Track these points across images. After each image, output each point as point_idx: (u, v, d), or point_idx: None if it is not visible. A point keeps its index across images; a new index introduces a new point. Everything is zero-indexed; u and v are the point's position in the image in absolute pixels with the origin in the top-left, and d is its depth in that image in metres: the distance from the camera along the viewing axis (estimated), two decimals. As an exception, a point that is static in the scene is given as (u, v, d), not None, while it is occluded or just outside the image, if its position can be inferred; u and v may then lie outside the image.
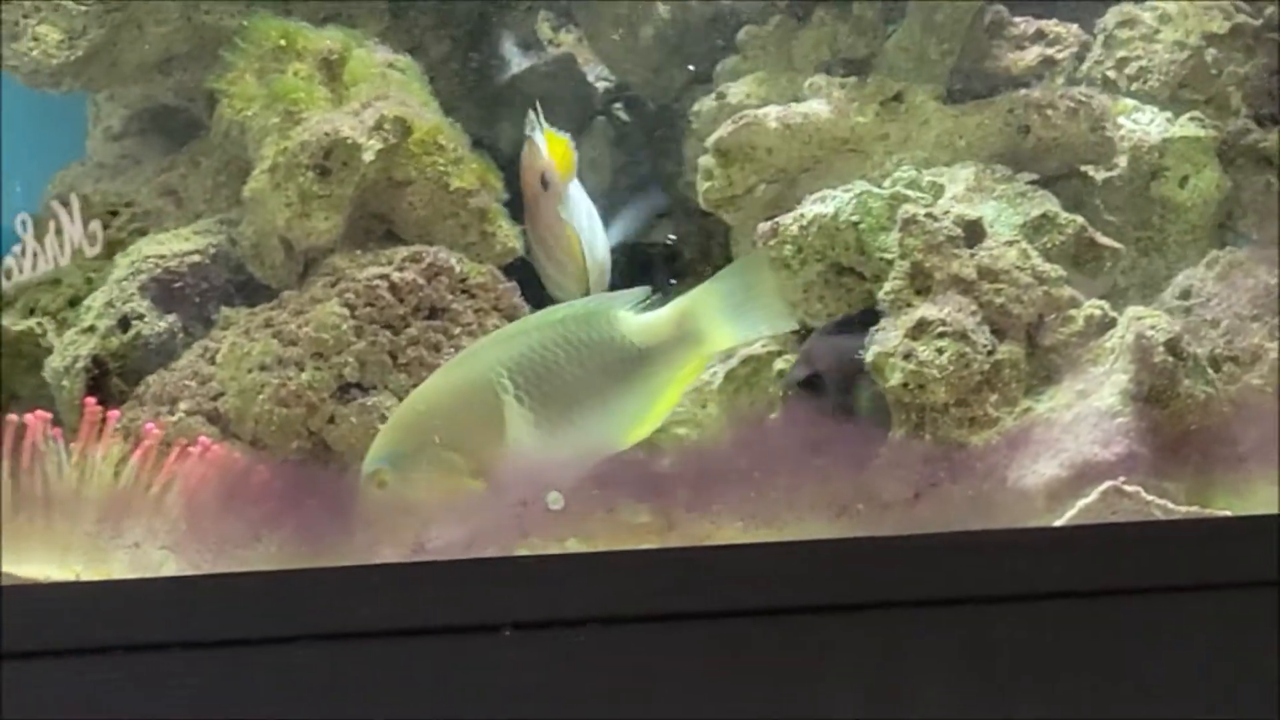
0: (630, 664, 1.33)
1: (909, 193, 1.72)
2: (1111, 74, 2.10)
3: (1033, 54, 2.04)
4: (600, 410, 1.56)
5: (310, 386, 1.74)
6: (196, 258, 1.91)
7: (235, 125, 1.94)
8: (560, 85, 2.27)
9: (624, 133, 2.28)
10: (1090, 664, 1.33)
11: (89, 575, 1.47)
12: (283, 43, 1.91)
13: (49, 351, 1.88)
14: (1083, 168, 1.99)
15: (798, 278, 1.73)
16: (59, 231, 1.89)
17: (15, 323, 1.90)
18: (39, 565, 1.47)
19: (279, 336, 1.77)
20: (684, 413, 1.74)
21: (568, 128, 2.08)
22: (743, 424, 1.70)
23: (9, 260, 1.89)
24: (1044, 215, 1.78)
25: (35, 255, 1.89)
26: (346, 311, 1.77)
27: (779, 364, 1.76)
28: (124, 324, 1.85)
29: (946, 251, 1.65)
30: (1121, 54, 2.11)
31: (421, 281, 1.80)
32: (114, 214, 2.08)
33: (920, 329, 1.60)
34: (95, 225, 1.91)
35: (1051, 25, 2.07)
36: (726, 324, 1.58)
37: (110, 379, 1.82)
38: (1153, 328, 1.56)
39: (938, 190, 1.79)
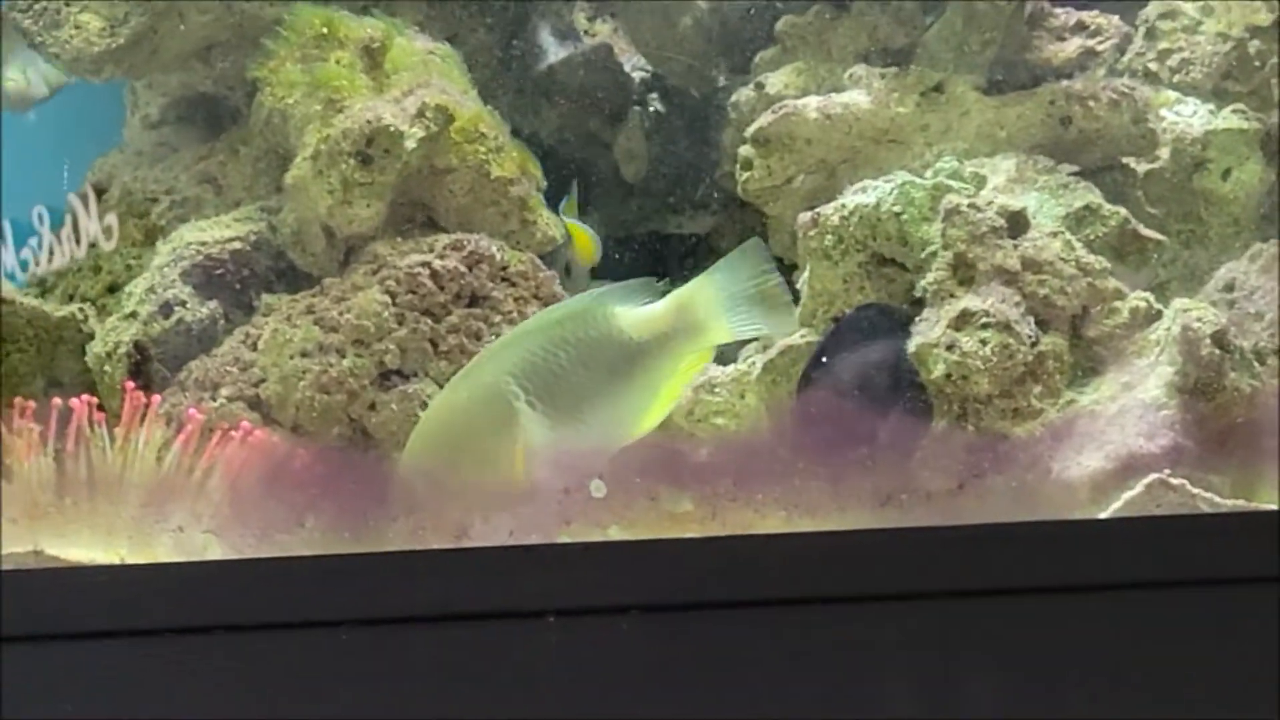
0: (673, 652, 1.33)
1: (951, 183, 1.72)
2: (1153, 66, 2.09)
3: (1073, 45, 2.03)
4: (608, 405, 1.55)
5: (351, 373, 1.75)
6: (238, 244, 1.91)
7: (276, 113, 1.94)
8: (597, 75, 2.27)
9: (660, 123, 2.28)
10: (1134, 656, 1.33)
11: (134, 558, 1.48)
12: (325, 30, 1.92)
13: (90, 337, 1.89)
14: (1124, 160, 1.98)
15: (838, 268, 1.73)
16: (75, 225, 1.89)
17: (56, 309, 1.90)
18: (84, 548, 1.48)
19: (320, 323, 1.78)
20: (722, 403, 1.74)
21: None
22: (784, 413, 1.69)
23: (26, 253, 1.90)
24: (1087, 206, 1.77)
25: (52, 248, 1.89)
26: (388, 299, 1.78)
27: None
28: (166, 310, 1.85)
29: (990, 242, 1.65)
30: (1163, 46, 2.10)
31: (463, 269, 1.81)
32: (153, 201, 2.08)
33: (963, 320, 1.60)
34: (111, 219, 1.92)
35: (1092, 17, 2.06)
36: (724, 316, 1.57)
37: (152, 365, 1.83)
38: (1199, 320, 1.55)
39: (980, 181, 1.78)
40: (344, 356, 1.76)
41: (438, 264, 1.81)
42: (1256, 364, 1.57)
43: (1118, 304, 1.65)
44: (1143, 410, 1.54)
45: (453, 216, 1.92)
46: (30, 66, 2.35)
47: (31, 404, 1.57)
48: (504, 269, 1.83)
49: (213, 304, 1.88)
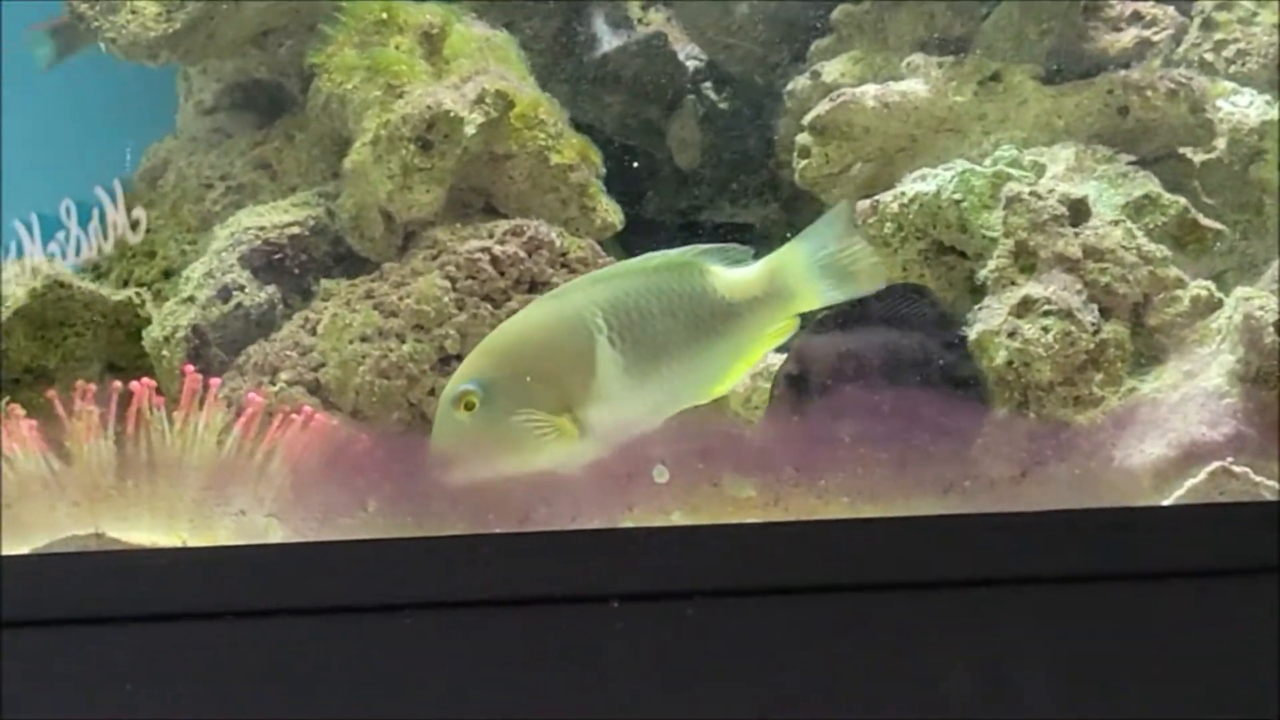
0: (737, 637, 1.32)
1: (1012, 171, 1.71)
2: (1209, 56, 2.09)
3: (1129, 35, 2.02)
4: (686, 362, 1.53)
5: (411, 358, 1.75)
6: (296, 229, 1.92)
7: (335, 98, 1.94)
8: (650, 64, 2.27)
9: (714, 111, 2.28)
10: (1196, 644, 1.32)
11: (195, 541, 1.48)
12: (384, 16, 1.92)
13: (147, 321, 1.89)
14: (1181, 150, 1.98)
15: (898, 256, 1.73)
16: (103, 218, 1.90)
17: (114, 293, 1.91)
18: (146, 531, 1.48)
19: (380, 308, 1.78)
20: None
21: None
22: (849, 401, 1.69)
23: (54, 247, 1.90)
24: (1146, 196, 1.77)
25: (79, 241, 1.90)
26: (448, 284, 1.78)
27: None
28: (224, 294, 1.86)
29: (1051, 230, 1.65)
30: (1219, 36, 2.09)
31: (522, 255, 1.81)
32: (208, 187, 2.09)
33: (1025, 307, 1.60)
34: (140, 212, 1.92)
35: (1148, 7, 2.05)
36: (814, 281, 1.55)
37: (210, 349, 1.83)
38: (1262, 308, 1.55)
39: (1039, 170, 1.78)
40: (404, 341, 1.76)
41: (497, 249, 1.81)
42: (1320, 352, 1.57)
43: (1179, 292, 1.65)
44: (1205, 398, 1.54)
45: (512, 202, 1.92)
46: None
47: (92, 387, 1.57)
48: (563, 255, 1.83)
49: (271, 289, 1.88)
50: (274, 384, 1.77)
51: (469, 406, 1.48)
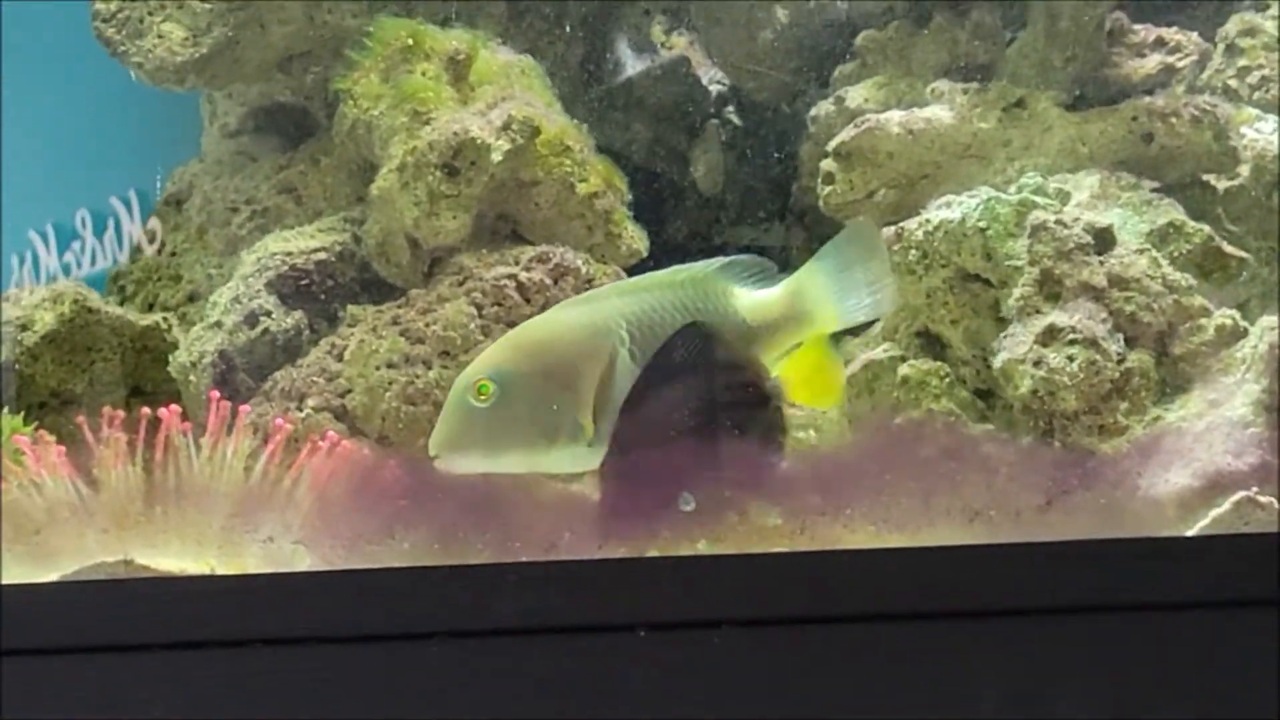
0: (764, 667, 1.32)
1: (1037, 199, 1.71)
2: (1233, 83, 2.09)
3: (1153, 62, 2.03)
4: None
5: (438, 384, 1.76)
6: (323, 255, 1.92)
7: (361, 124, 1.95)
8: (674, 88, 2.28)
9: (737, 136, 2.29)
10: (1222, 674, 1.32)
11: (224, 569, 1.48)
12: (411, 42, 1.92)
13: (174, 346, 1.90)
14: (1205, 177, 1.98)
15: (922, 283, 1.73)
16: (118, 229, 1.90)
17: (141, 318, 1.91)
18: (174, 558, 1.48)
19: (406, 334, 1.79)
20: (804, 417, 1.74)
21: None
22: (874, 428, 1.69)
23: (69, 256, 1.91)
24: (1171, 224, 1.77)
25: (95, 251, 1.91)
26: (474, 310, 1.78)
27: (903, 369, 1.75)
28: (251, 320, 1.87)
29: (1077, 258, 1.65)
30: (1243, 63, 2.10)
31: (548, 281, 1.81)
32: (234, 211, 2.10)
33: (1050, 336, 1.60)
34: (155, 223, 1.93)
35: (1172, 33, 2.06)
36: (833, 304, 1.55)
37: (237, 374, 1.84)
38: (1286, 338, 1.55)
39: (1064, 197, 1.78)
40: (430, 368, 1.76)
41: (523, 276, 1.81)
42: (1346, 383, 1.57)
43: (1204, 321, 1.65)
44: (1230, 428, 1.53)
45: (538, 229, 1.93)
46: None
47: (120, 413, 1.57)
48: (589, 282, 1.84)
49: (298, 314, 1.89)
50: (301, 410, 1.77)
51: (483, 395, 1.48)
